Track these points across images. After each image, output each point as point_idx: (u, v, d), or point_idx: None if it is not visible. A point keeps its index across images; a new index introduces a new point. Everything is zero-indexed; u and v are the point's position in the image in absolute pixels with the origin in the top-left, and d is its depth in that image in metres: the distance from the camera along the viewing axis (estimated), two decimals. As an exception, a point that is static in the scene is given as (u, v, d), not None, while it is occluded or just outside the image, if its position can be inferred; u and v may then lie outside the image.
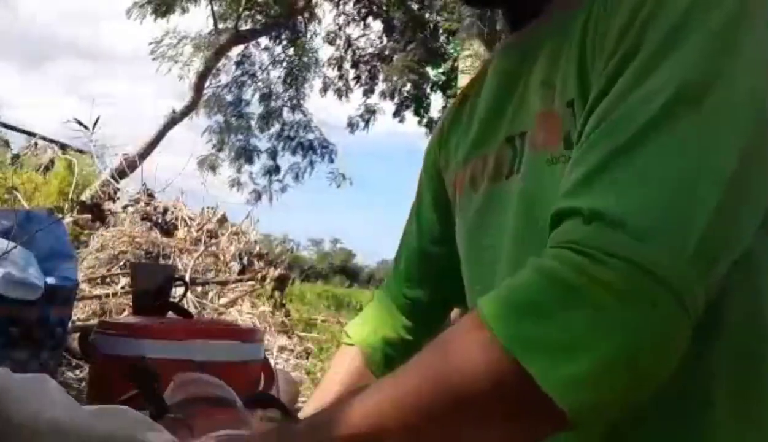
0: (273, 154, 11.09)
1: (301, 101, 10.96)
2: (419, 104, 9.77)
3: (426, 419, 0.50)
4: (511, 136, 0.70)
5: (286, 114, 11.03)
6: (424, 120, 9.81)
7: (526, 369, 0.46)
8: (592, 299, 0.47)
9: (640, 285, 0.46)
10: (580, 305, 0.47)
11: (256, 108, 10.98)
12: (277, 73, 10.84)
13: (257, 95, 10.88)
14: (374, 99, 10.20)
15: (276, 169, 11.04)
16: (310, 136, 11.04)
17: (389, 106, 10.09)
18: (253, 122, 11.01)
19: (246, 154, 11.05)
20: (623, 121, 0.52)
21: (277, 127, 11.01)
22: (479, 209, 0.75)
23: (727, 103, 0.51)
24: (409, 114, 9.90)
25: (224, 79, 10.71)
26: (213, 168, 10.80)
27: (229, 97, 10.82)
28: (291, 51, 10.63)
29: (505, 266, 0.68)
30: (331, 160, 11.01)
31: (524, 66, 0.71)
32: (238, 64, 10.63)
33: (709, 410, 0.57)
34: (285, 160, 11.14)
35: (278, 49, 10.64)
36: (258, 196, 10.89)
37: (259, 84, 10.84)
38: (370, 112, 10.35)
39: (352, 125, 10.45)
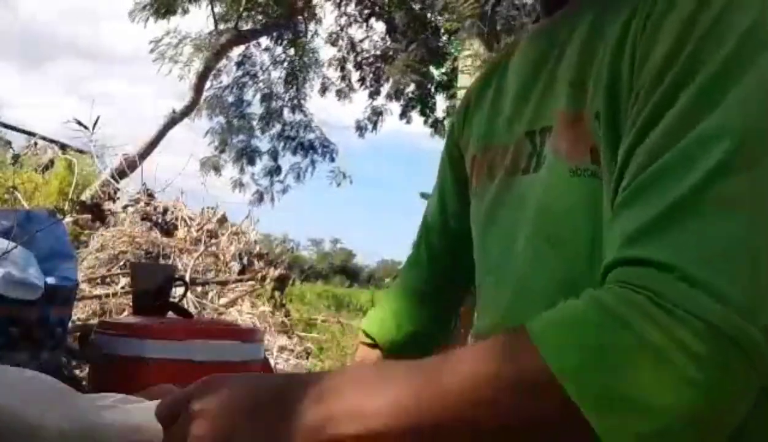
0: (274, 154, 11.10)
1: (302, 101, 10.97)
2: (424, 104, 9.78)
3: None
4: (531, 130, 0.69)
5: (287, 114, 11.04)
6: (430, 120, 9.82)
7: (588, 420, 0.44)
8: (668, 356, 0.44)
9: (718, 348, 0.44)
10: (654, 360, 0.44)
11: (257, 109, 10.99)
12: (277, 74, 10.86)
13: (258, 96, 10.89)
14: (380, 100, 10.23)
15: (277, 169, 11.05)
16: (311, 135, 11.05)
17: (395, 107, 10.12)
18: (254, 123, 11.01)
19: (248, 155, 11.05)
20: (682, 165, 0.48)
21: (278, 127, 11.02)
22: (493, 201, 0.74)
23: None
24: (415, 114, 9.92)
25: (225, 79, 10.72)
26: (216, 169, 10.80)
27: (230, 98, 10.83)
28: (291, 51, 10.63)
29: (521, 266, 0.67)
30: (332, 160, 11.02)
31: (550, 56, 0.69)
32: (239, 64, 10.63)
33: None
34: (286, 160, 11.16)
35: (279, 50, 10.65)
36: (260, 197, 10.90)
37: (260, 85, 10.85)
38: (377, 114, 10.35)
39: (360, 128, 10.44)
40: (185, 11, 9.14)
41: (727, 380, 0.45)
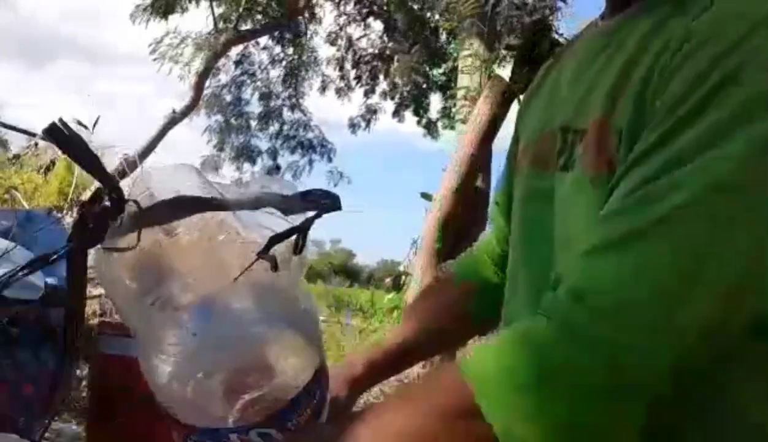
0: (273, 153, 11.12)
1: (301, 100, 10.98)
2: (418, 104, 9.79)
3: None
4: (566, 126, 0.68)
5: (286, 113, 11.06)
6: (423, 120, 9.84)
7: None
8: (559, 376, 0.51)
9: (616, 379, 0.50)
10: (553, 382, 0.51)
11: (255, 108, 11.01)
12: (276, 73, 10.87)
13: (257, 95, 10.90)
14: (374, 99, 10.24)
15: (277, 169, 11.06)
16: (310, 135, 11.07)
17: (389, 105, 10.13)
18: (253, 122, 11.03)
19: (247, 154, 11.06)
20: (642, 205, 0.52)
21: (276, 126, 11.04)
22: (531, 192, 0.75)
23: (746, 215, 0.50)
24: (408, 114, 9.93)
25: (224, 78, 10.72)
26: (216, 169, 10.81)
27: (228, 97, 10.84)
28: (290, 50, 10.64)
29: (539, 264, 0.69)
30: (330, 159, 11.05)
31: (600, 59, 0.68)
32: (237, 63, 10.64)
33: None
34: (284, 159, 11.18)
35: (277, 49, 10.66)
36: (260, 196, 10.89)
37: (258, 83, 10.86)
38: (371, 112, 10.37)
39: (354, 125, 10.47)
40: (184, 10, 9.15)
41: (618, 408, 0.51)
